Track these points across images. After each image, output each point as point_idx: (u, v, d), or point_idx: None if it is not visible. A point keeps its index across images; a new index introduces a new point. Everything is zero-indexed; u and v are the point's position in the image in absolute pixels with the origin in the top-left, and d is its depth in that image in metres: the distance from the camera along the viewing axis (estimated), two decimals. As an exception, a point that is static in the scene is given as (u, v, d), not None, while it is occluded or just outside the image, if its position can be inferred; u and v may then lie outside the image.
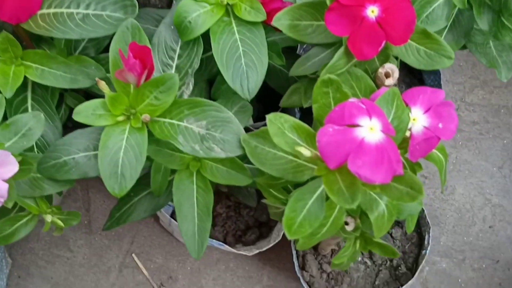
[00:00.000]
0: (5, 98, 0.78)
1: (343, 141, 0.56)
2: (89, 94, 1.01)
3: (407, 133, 0.64)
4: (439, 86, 1.08)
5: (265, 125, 1.09)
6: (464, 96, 1.33)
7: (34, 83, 0.87)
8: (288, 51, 1.00)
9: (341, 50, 0.72)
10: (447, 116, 0.64)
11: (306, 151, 0.59)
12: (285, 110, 0.97)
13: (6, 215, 0.87)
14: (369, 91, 0.74)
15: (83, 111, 0.72)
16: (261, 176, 0.80)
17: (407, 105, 0.65)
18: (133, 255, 1.25)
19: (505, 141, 1.29)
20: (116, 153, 0.72)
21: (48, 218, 0.79)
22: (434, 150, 0.70)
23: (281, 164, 0.70)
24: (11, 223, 0.80)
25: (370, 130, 0.56)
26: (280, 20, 0.77)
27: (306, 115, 1.07)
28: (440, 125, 0.64)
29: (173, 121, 0.74)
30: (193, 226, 0.81)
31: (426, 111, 0.65)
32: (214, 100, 0.93)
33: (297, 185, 0.82)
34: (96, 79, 0.72)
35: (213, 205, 1.08)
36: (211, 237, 1.08)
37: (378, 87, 0.75)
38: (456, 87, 1.34)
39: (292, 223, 0.62)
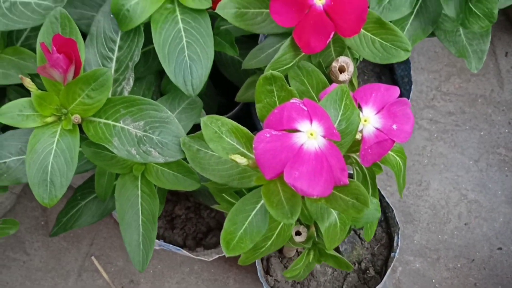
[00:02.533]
0: None
1: (280, 149, 0.50)
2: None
3: (358, 136, 0.58)
4: (409, 75, 1.02)
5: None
6: (440, 85, 1.27)
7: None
8: (247, 40, 0.94)
9: (287, 42, 0.65)
10: (402, 116, 0.58)
11: (241, 159, 0.53)
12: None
13: None
14: (322, 86, 0.67)
15: (9, 112, 0.66)
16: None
17: (358, 104, 0.59)
18: (93, 257, 1.19)
19: (482, 133, 1.23)
20: (45, 158, 0.65)
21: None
22: (390, 152, 0.64)
23: (226, 169, 0.63)
24: None
25: (310, 136, 0.50)
26: (225, 8, 0.70)
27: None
28: (394, 126, 0.58)
29: (109, 121, 0.68)
30: (138, 236, 0.75)
31: (378, 111, 0.59)
32: (164, 94, 0.86)
33: (251, 189, 0.76)
34: (20, 76, 0.65)
35: (172, 206, 1.03)
36: (169, 241, 1.02)
37: (332, 82, 0.69)
38: (432, 75, 1.28)
39: (231, 238, 0.56)
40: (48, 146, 0.66)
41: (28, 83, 0.65)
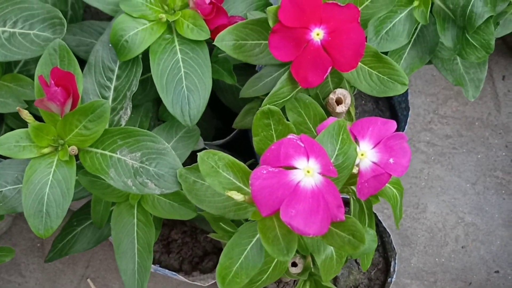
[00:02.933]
0: None
1: (277, 186, 0.50)
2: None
3: (355, 169, 0.58)
4: (406, 101, 1.02)
5: (223, 143, 1.04)
6: (437, 108, 1.28)
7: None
8: (245, 67, 0.94)
9: (285, 76, 0.65)
10: (399, 150, 0.58)
11: (237, 196, 0.53)
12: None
13: None
14: (319, 118, 0.67)
15: (6, 142, 0.66)
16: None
17: (355, 138, 0.59)
18: (88, 280, 1.19)
19: (479, 156, 1.23)
20: (42, 189, 0.65)
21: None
22: (387, 184, 0.64)
23: (222, 201, 0.63)
24: None
25: (306, 173, 0.50)
26: (224, 41, 0.70)
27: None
28: (391, 160, 0.58)
29: (106, 152, 0.68)
30: (133, 264, 0.74)
31: (375, 145, 0.59)
32: (162, 121, 0.86)
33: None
34: (17, 108, 0.65)
35: (168, 230, 1.03)
36: (165, 265, 1.02)
37: (329, 114, 0.69)
38: (429, 98, 1.29)
39: (226, 273, 0.56)
40: (45, 177, 0.66)
41: (26, 115, 0.65)
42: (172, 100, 0.71)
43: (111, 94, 0.75)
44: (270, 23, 0.64)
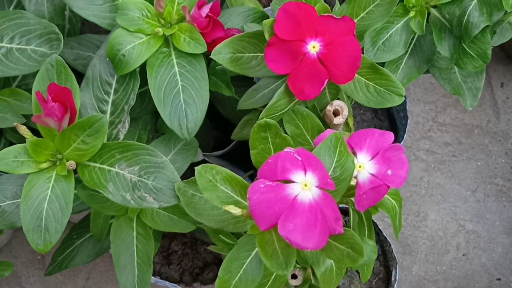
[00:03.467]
0: None
1: (275, 200, 0.50)
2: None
3: (353, 181, 0.58)
4: (404, 110, 1.02)
5: (222, 154, 1.04)
6: (436, 116, 1.28)
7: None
8: (243, 78, 0.94)
9: (282, 89, 0.65)
10: (397, 161, 0.58)
11: (235, 210, 0.53)
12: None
13: None
14: (317, 130, 0.67)
15: (4, 158, 0.66)
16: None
17: (352, 150, 0.59)
18: (89, 292, 1.19)
19: (478, 163, 1.23)
20: (40, 204, 0.65)
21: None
22: (386, 196, 0.64)
23: (221, 214, 0.63)
24: None
25: (304, 187, 0.50)
26: (220, 54, 0.70)
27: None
28: (389, 172, 0.58)
29: (104, 166, 0.68)
30: (133, 277, 0.74)
31: (373, 157, 0.59)
32: (161, 133, 0.87)
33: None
34: (15, 124, 0.65)
35: (168, 242, 1.03)
36: (166, 276, 1.02)
37: (327, 125, 0.69)
38: (428, 106, 1.29)
39: (226, 286, 0.56)
40: (43, 192, 0.66)
41: (24, 130, 0.66)
42: (169, 114, 0.71)
43: (109, 108, 0.75)
44: (266, 36, 0.64)
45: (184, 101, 0.71)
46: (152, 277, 0.96)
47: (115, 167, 0.67)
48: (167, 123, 0.71)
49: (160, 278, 1.00)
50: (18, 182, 0.73)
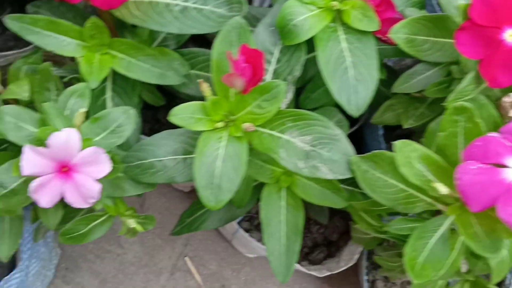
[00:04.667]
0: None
1: (488, 183, 0.50)
2: (161, 88, 0.96)
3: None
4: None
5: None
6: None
7: (115, 72, 0.82)
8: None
9: (472, 74, 0.65)
10: None
11: (443, 188, 0.53)
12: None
13: (73, 213, 0.83)
14: (492, 120, 0.67)
15: (181, 113, 0.67)
16: (358, 199, 0.74)
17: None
18: (186, 258, 1.20)
19: None
20: (213, 162, 0.66)
21: (131, 222, 0.74)
22: None
23: (391, 193, 0.64)
24: (86, 223, 0.76)
25: (519, 174, 0.50)
26: (398, 33, 0.70)
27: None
28: None
29: (274, 132, 0.68)
30: (280, 246, 0.75)
31: None
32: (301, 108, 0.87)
33: (392, 214, 0.76)
34: (199, 80, 0.66)
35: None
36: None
37: (501, 116, 0.69)
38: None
39: (413, 263, 0.56)
40: (216, 150, 0.67)
41: (206, 87, 0.67)
42: (338, 88, 0.71)
43: (269, 77, 0.75)
44: (459, 19, 0.64)
45: (354, 77, 0.72)
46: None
47: (285, 135, 0.68)
48: (336, 97, 0.71)
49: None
50: (179, 139, 0.74)
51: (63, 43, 0.77)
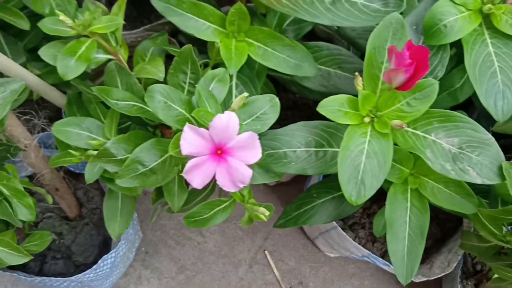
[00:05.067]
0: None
1: None
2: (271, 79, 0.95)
3: None
4: None
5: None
6: None
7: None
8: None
9: None
10: None
11: None
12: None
13: (192, 196, 0.83)
14: None
15: (328, 106, 0.66)
16: (483, 207, 0.73)
17: None
18: (266, 252, 1.20)
19: None
20: (357, 157, 0.66)
21: (259, 209, 0.73)
22: None
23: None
24: (211, 208, 0.75)
25: None
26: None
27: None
28: None
29: (418, 132, 0.68)
30: (403, 247, 0.74)
31: None
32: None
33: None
34: (356, 73, 0.66)
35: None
36: (372, 253, 1.02)
37: None
38: None
39: None
40: (360, 145, 0.66)
41: (360, 81, 0.66)
42: (485, 92, 0.70)
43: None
44: None
45: (502, 82, 0.71)
46: (362, 249, 0.96)
47: (431, 135, 0.67)
48: (482, 101, 0.70)
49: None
50: (312, 131, 0.74)
51: (202, 27, 0.77)
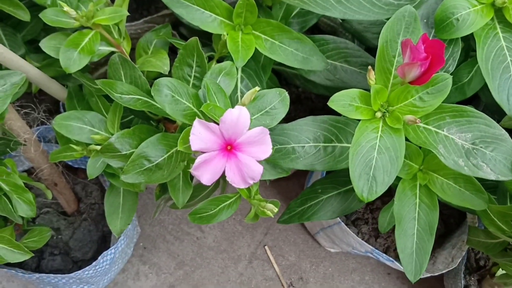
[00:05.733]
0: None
1: None
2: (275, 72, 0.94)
3: None
4: None
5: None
6: None
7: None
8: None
9: None
10: None
11: None
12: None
13: (196, 192, 0.82)
14: None
15: (340, 100, 0.65)
16: (492, 203, 0.73)
17: None
18: (266, 247, 1.19)
19: None
20: (369, 152, 0.65)
21: (268, 206, 0.72)
22: None
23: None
24: (216, 204, 0.74)
25: None
26: None
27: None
28: None
29: (430, 127, 0.67)
30: (411, 244, 0.73)
31: None
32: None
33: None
34: (369, 67, 0.65)
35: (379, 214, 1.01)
36: (376, 248, 1.01)
37: None
38: None
39: None
40: (372, 140, 0.65)
41: (372, 76, 0.65)
42: (497, 87, 0.69)
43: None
44: None
45: (516, 77, 0.70)
46: (366, 244, 0.95)
47: (443, 130, 0.66)
48: (494, 96, 0.69)
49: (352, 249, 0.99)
50: (321, 126, 0.73)
51: (208, 19, 0.75)
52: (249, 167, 0.60)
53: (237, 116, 0.59)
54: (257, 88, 0.61)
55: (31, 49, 0.92)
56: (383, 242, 1.02)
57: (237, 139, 0.60)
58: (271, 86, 0.92)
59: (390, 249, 1.02)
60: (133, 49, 0.85)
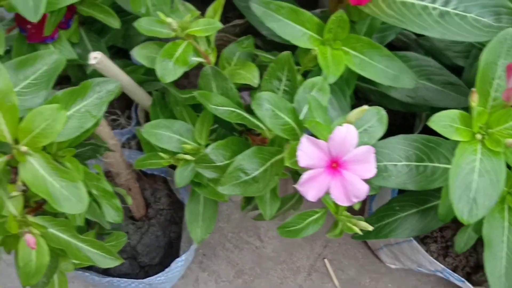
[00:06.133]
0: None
1: None
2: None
3: None
4: None
5: None
6: None
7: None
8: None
9: None
10: None
11: None
12: None
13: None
14: None
15: (440, 121, 0.65)
16: None
17: None
18: (325, 260, 1.18)
19: None
20: (469, 175, 0.64)
21: (361, 224, 0.71)
22: None
23: None
24: (304, 218, 0.74)
25: None
26: None
27: None
28: None
29: (526, 151, 0.66)
30: (499, 268, 0.72)
31: None
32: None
33: None
34: (473, 89, 0.64)
35: (452, 233, 1.01)
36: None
37: None
38: None
39: None
40: (471, 163, 0.65)
41: (475, 98, 0.64)
42: None
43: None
44: None
45: None
46: (436, 263, 0.94)
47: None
48: None
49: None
50: (413, 145, 0.72)
51: (298, 34, 0.75)
52: (355, 186, 0.60)
53: (345, 134, 0.59)
54: (366, 107, 0.61)
55: (111, 55, 0.94)
56: (451, 261, 1.01)
57: (343, 156, 0.60)
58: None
59: (458, 269, 1.01)
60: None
